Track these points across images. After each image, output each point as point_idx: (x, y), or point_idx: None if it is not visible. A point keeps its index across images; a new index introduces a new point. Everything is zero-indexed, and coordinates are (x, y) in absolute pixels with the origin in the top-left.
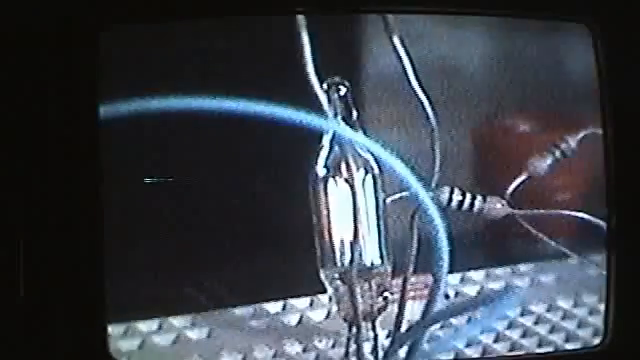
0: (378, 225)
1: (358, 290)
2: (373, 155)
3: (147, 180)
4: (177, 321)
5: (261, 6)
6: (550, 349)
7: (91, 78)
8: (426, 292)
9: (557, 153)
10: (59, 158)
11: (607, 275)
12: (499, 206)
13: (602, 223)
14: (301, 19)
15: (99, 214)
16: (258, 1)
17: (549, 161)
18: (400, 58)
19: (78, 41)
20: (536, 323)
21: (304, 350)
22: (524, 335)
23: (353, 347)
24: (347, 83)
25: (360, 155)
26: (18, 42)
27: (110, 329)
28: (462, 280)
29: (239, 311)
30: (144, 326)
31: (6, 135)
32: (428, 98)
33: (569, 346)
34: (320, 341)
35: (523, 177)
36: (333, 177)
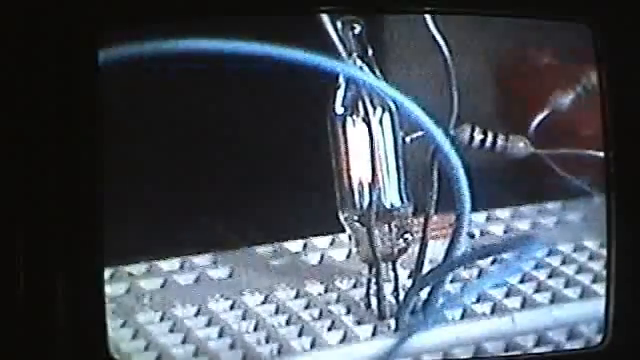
0: (397, 165)
1: (377, 233)
2: (389, 94)
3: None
4: (199, 260)
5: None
6: (578, 290)
7: (91, 78)
8: (449, 231)
9: (579, 89)
10: (59, 158)
11: (607, 275)
12: (522, 145)
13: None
14: None
15: (99, 207)
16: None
17: (571, 97)
18: None
19: (78, 41)
20: (563, 263)
21: (326, 290)
22: (550, 276)
23: (374, 288)
24: (362, 21)
25: (377, 94)
26: (18, 42)
27: (132, 269)
28: (488, 219)
29: (260, 250)
30: (166, 265)
31: (6, 135)
32: (442, 35)
33: (596, 287)
34: (341, 281)
35: (545, 113)
36: (350, 116)
